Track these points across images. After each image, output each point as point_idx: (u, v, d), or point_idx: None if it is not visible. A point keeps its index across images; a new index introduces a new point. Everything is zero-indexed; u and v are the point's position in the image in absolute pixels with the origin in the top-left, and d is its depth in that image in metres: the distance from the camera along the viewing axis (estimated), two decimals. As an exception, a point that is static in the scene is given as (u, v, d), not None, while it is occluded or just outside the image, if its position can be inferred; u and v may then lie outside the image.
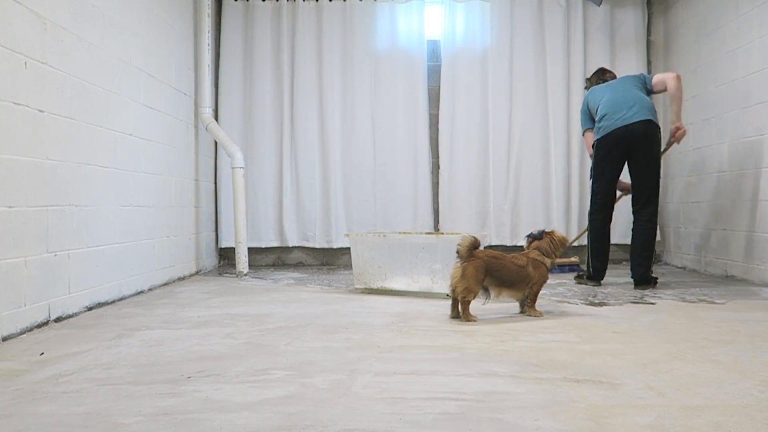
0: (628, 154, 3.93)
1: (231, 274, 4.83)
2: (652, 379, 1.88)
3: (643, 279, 3.88)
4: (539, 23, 5.52)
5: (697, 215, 5.01)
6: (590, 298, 3.53)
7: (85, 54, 3.13)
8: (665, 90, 4.01)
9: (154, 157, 3.99)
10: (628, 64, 5.56)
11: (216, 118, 5.25)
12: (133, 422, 1.54)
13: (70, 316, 2.95)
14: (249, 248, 4.94)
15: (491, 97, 5.48)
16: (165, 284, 4.16)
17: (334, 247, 5.49)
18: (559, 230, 5.37)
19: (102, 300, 3.29)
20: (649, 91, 4.03)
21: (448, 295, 3.53)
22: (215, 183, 5.41)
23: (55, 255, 2.85)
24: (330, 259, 5.63)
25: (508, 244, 5.52)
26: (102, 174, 3.31)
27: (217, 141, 4.97)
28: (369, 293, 3.78)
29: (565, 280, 4.38)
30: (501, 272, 2.88)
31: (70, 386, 1.84)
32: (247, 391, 1.78)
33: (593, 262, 4.07)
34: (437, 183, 5.54)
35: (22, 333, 2.57)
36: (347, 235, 3.94)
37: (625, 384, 1.84)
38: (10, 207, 2.53)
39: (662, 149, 4.07)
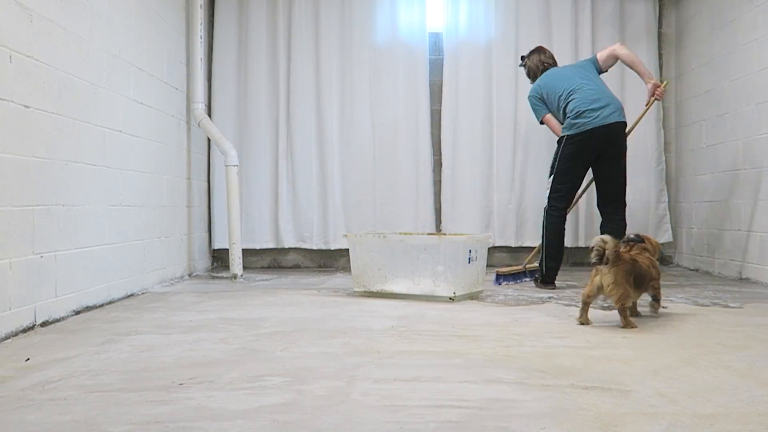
0: (599, 154, 3.90)
1: (224, 276, 4.76)
2: (663, 386, 1.84)
3: None
4: (546, 15, 5.41)
5: (711, 215, 4.92)
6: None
7: (72, 47, 3.06)
8: (614, 63, 4.08)
9: (144, 155, 3.91)
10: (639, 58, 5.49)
11: (209, 114, 5.16)
12: (122, 431, 1.51)
13: (57, 320, 2.89)
14: (243, 250, 4.87)
15: (496, 91, 5.38)
16: (156, 287, 4.08)
17: (332, 248, 5.38)
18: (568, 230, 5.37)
19: (90, 303, 3.21)
20: (600, 71, 4.09)
21: (450, 299, 3.47)
22: (208, 182, 5.32)
23: (42, 256, 2.78)
24: (328, 261, 5.54)
25: (512, 245, 5.43)
26: (90, 172, 3.23)
27: (210, 138, 4.89)
28: (368, 296, 3.70)
29: (572, 283, 4.31)
30: (638, 275, 2.84)
31: (56, 393, 1.80)
32: (242, 399, 1.74)
33: (548, 263, 3.95)
34: (439, 181, 5.43)
35: (6, 338, 2.51)
36: (346, 235, 3.86)
37: (636, 391, 1.80)
38: (-6, 206, 2.46)
39: (641, 113, 4.16)
